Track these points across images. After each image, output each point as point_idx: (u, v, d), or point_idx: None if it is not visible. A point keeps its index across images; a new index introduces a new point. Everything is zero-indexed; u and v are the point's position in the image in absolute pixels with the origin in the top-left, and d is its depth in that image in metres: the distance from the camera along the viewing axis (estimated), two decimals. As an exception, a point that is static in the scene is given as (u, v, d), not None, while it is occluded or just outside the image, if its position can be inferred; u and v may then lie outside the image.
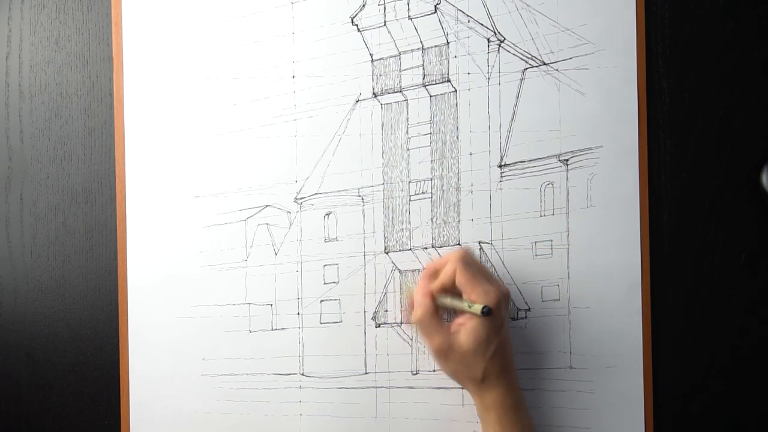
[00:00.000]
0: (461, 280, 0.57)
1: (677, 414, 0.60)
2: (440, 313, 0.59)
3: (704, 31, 0.59)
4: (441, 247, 0.66)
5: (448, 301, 0.58)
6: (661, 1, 0.60)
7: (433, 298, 0.59)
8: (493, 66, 0.64)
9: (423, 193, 0.66)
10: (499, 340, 0.56)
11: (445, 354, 0.57)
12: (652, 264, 0.60)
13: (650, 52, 0.60)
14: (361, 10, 0.68)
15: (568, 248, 0.62)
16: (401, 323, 0.67)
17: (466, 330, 0.56)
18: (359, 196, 0.68)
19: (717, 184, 0.59)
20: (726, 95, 0.59)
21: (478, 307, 0.55)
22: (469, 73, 0.65)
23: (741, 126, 0.59)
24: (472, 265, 0.58)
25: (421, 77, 0.66)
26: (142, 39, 0.75)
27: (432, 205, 0.66)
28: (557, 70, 0.62)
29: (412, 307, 0.61)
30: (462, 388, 0.64)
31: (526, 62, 0.63)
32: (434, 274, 0.60)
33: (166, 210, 0.74)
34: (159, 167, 0.75)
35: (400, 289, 0.66)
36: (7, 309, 0.83)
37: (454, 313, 0.60)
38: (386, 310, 0.67)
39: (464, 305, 0.56)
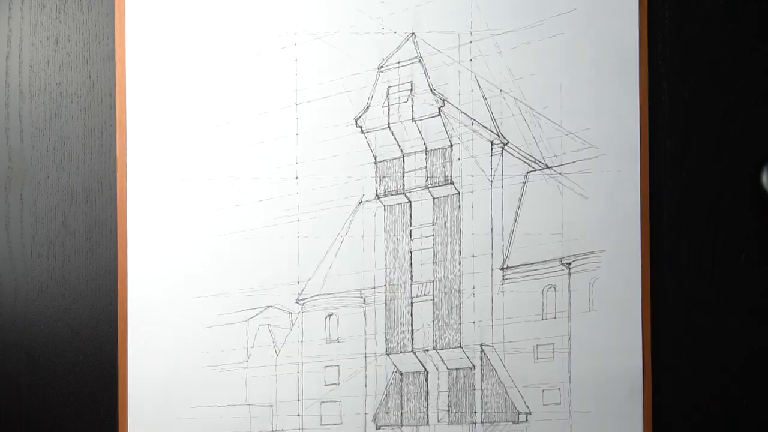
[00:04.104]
0: None
1: (677, 414, 0.60)
2: None
3: (704, 31, 0.59)
4: (442, 349, 0.65)
5: None
6: (661, 1, 0.60)
7: None
8: (497, 168, 0.63)
9: (425, 295, 0.65)
10: None
11: None
12: (652, 264, 0.60)
13: (650, 52, 0.60)
14: (365, 111, 0.67)
15: (570, 352, 0.61)
16: (401, 425, 0.66)
17: None
18: (361, 297, 0.67)
19: (717, 185, 0.59)
20: (726, 95, 0.59)
21: None
22: (472, 176, 0.64)
23: (741, 126, 0.59)
24: None
25: (425, 179, 0.65)
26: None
27: (434, 307, 0.65)
28: (560, 173, 0.61)
29: None
30: None
31: (530, 165, 0.62)
32: None
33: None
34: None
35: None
36: (7, 309, 0.83)
37: None
38: (387, 412, 0.66)
39: None
